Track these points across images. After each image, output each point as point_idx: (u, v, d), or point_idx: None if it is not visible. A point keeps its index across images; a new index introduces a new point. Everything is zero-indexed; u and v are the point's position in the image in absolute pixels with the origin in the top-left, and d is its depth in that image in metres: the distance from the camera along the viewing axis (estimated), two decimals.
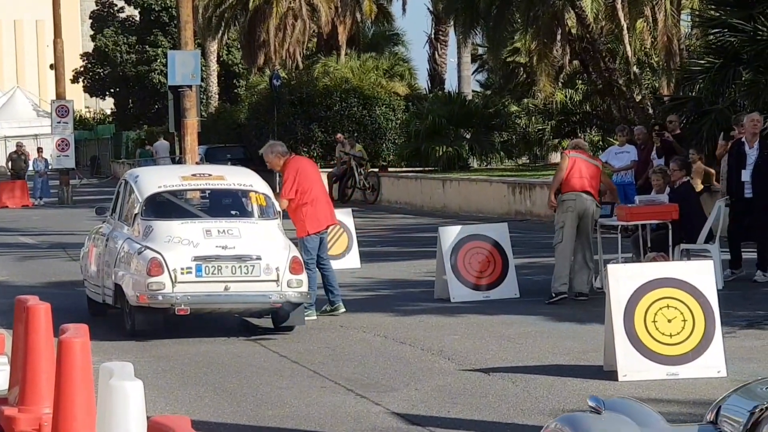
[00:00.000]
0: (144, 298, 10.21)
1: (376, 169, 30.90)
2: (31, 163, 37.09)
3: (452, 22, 32.69)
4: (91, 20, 60.18)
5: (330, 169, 29.92)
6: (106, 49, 54.82)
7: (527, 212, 23.04)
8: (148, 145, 45.01)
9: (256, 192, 11.07)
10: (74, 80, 55.53)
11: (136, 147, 48.01)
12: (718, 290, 8.48)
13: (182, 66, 21.13)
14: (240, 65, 49.15)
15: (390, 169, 32.18)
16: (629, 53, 26.67)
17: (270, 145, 11.74)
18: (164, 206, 10.98)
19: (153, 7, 53.39)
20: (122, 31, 55.55)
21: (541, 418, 6.93)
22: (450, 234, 12.37)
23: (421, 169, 31.02)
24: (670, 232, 12.26)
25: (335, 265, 12.56)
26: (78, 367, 5.17)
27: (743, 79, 19.02)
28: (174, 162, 33.68)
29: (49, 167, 35.99)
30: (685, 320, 8.20)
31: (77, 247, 13.75)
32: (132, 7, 55.65)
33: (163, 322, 10.47)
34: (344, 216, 15.30)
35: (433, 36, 39.99)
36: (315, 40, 40.72)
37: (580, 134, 29.77)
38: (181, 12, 22.09)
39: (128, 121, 55.58)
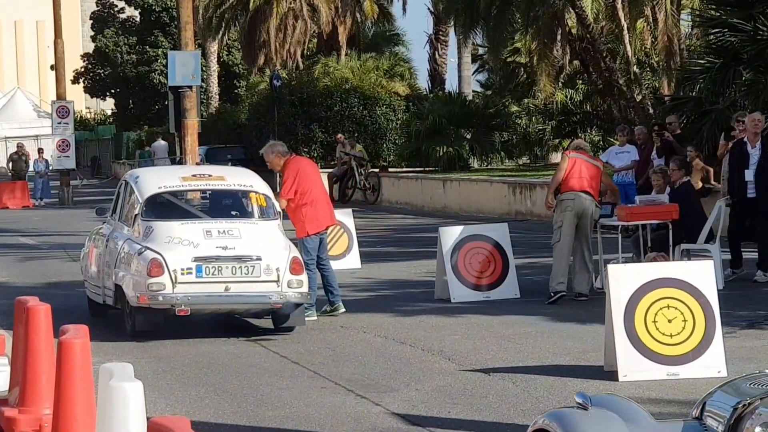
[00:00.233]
0: (144, 298, 10.21)
1: (377, 170, 30.90)
2: (31, 163, 37.08)
3: (452, 22, 32.69)
4: (91, 21, 60.20)
5: (330, 170, 29.92)
6: (107, 50, 54.84)
7: (528, 212, 23.04)
8: (147, 146, 45.03)
9: (256, 192, 11.07)
10: (75, 81, 55.55)
11: (135, 148, 48.03)
12: (718, 290, 8.47)
13: (182, 66, 21.13)
14: (240, 66, 49.16)
15: (390, 170, 32.18)
16: (629, 53, 26.66)
17: (270, 145, 11.74)
18: (164, 207, 10.98)
19: (153, 7, 53.41)
20: (123, 32, 55.56)
21: None
22: (450, 234, 12.37)
23: (421, 169, 31.02)
24: (671, 232, 12.26)
25: (335, 265, 12.56)
26: (78, 368, 5.17)
27: (743, 78, 19.02)
28: (174, 162, 33.67)
29: (50, 168, 35.99)
30: (685, 320, 8.20)
31: (77, 248, 13.76)
32: (132, 7, 55.67)
33: (164, 322, 10.47)
34: (344, 216, 15.30)
35: (433, 36, 39.99)
36: (315, 40, 40.71)
37: (580, 134, 29.79)
38: (181, 12, 22.09)
39: (129, 122, 55.60)
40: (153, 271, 10.16)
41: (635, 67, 27.75)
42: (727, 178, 12.99)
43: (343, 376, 8.70)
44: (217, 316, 10.85)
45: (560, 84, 30.09)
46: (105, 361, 5.87)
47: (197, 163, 21.72)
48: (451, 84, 42.02)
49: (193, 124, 21.49)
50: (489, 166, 31.99)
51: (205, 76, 41.12)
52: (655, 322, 8.18)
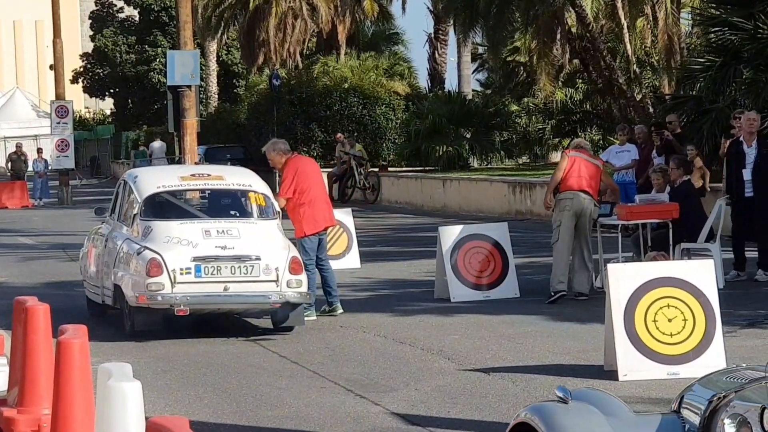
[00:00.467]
0: (143, 298, 10.21)
1: (376, 169, 30.90)
2: (30, 163, 37.08)
3: (452, 21, 32.71)
4: (90, 20, 60.19)
5: (330, 169, 29.92)
6: (106, 50, 54.82)
7: (527, 212, 23.04)
8: (142, 146, 44.99)
9: (255, 192, 11.07)
10: (74, 81, 55.53)
11: (130, 148, 48.02)
12: (718, 289, 8.47)
13: (181, 66, 21.14)
14: (239, 65, 49.14)
15: (390, 169, 32.18)
16: (629, 52, 26.66)
17: (272, 142, 11.75)
18: (163, 206, 10.98)
19: (152, 7, 53.40)
20: (121, 32, 55.54)
21: None
22: (450, 234, 12.37)
23: (421, 168, 31.02)
24: (671, 231, 12.26)
25: (335, 265, 12.55)
26: (77, 368, 5.17)
27: (744, 77, 19.02)
28: (173, 162, 33.66)
29: (49, 168, 35.99)
30: (685, 319, 8.20)
31: (76, 248, 13.76)
32: (131, 7, 55.65)
33: (163, 322, 10.47)
34: (344, 216, 15.30)
35: (432, 35, 39.98)
36: (315, 39, 40.70)
37: (580, 133, 29.80)
38: (180, 12, 22.09)
39: (128, 122, 55.58)
40: (152, 270, 10.16)
41: (635, 65, 27.74)
42: (726, 178, 13.00)
43: (342, 375, 8.70)
44: (216, 315, 10.85)
45: (560, 83, 30.09)
46: (104, 361, 5.87)
47: (196, 163, 21.72)
48: (450, 83, 42.04)
49: (192, 123, 21.49)
50: (489, 166, 31.99)
51: (204, 76, 41.11)
52: (655, 321, 8.18)
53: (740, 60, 18.95)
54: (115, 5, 58.34)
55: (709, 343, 8.18)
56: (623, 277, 8.25)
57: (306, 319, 10.90)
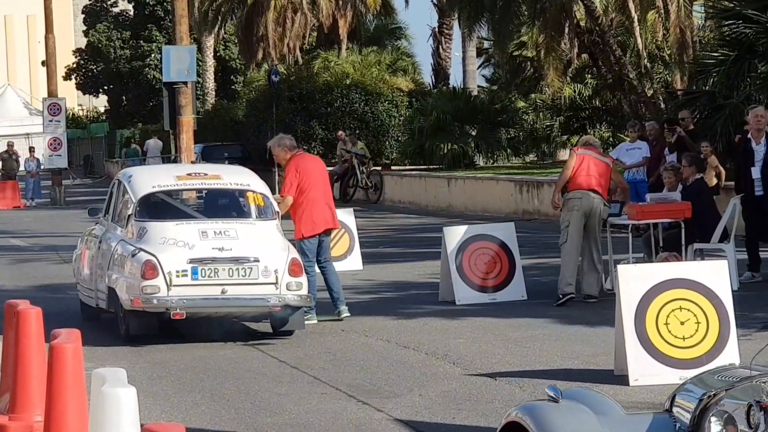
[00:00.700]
0: (138, 301, 10.22)
1: (379, 168, 30.92)
2: (22, 162, 37.13)
3: (457, 15, 32.70)
4: (83, 15, 60.25)
5: (331, 168, 29.91)
6: (99, 45, 54.88)
7: (535, 211, 23.05)
8: (134, 144, 45.00)
9: (253, 192, 11.08)
10: (66, 77, 55.60)
11: (122, 147, 48.05)
12: (733, 291, 8.48)
13: (177, 62, 21.15)
14: (237, 60, 49.18)
15: (393, 168, 32.20)
16: (640, 46, 26.66)
17: (279, 137, 11.77)
18: (159, 207, 10.99)
19: (147, 1, 53.44)
20: (116, 26, 55.59)
21: None
22: (455, 234, 12.38)
23: (425, 167, 31.03)
24: (683, 231, 12.25)
25: (336, 267, 12.53)
26: (70, 374, 5.17)
27: (758, 71, 19.01)
28: (168, 161, 33.70)
29: (41, 167, 36.04)
30: (698, 322, 8.20)
31: (69, 250, 13.78)
32: (126, 1, 55.72)
33: (158, 326, 10.48)
34: (346, 216, 15.31)
35: (436, 29, 39.99)
36: (315, 34, 40.72)
37: (589, 130, 29.78)
38: (176, 6, 22.11)
39: (122, 119, 55.63)
40: (147, 273, 10.17)
41: (646, 60, 27.74)
42: (736, 176, 13.00)
43: (344, 381, 8.71)
44: (213, 319, 10.86)
45: (568, 78, 30.08)
46: (98, 366, 5.88)
47: (193, 162, 21.75)
48: (455, 79, 42.14)
49: (188, 121, 21.50)
50: (495, 164, 32.00)
51: (200, 72, 41.12)
52: (667, 324, 8.18)
53: (755, 54, 18.95)
54: None
55: (723, 346, 8.17)
56: (634, 279, 8.24)
57: (306, 322, 10.91)
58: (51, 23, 34.87)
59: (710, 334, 8.19)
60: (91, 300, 11.42)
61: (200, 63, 40.42)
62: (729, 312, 8.24)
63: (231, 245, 10.36)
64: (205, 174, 11.42)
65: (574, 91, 31.02)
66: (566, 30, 26.86)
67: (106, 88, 57.09)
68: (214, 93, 46.13)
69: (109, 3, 58.54)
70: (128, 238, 10.68)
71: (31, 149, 37.39)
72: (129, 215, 10.80)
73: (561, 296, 11.82)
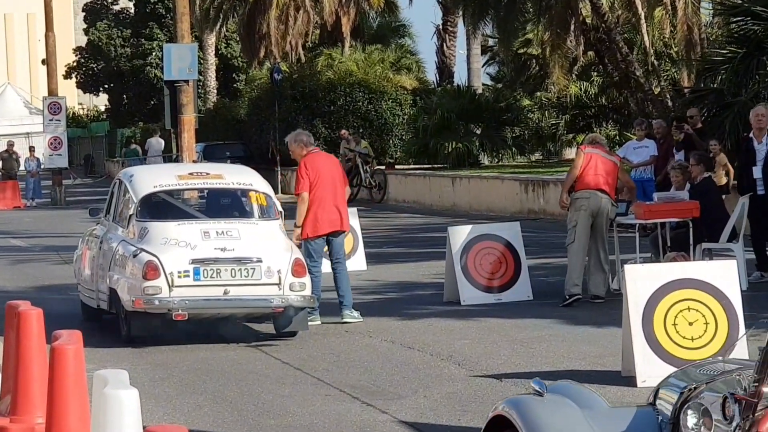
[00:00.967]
0: (140, 302, 10.22)
1: (383, 167, 30.92)
2: (22, 162, 37.17)
3: (461, 12, 32.68)
4: (84, 13, 60.28)
5: None
6: (100, 43, 54.91)
7: (540, 211, 23.04)
8: (134, 144, 45.01)
9: (256, 191, 11.08)
10: (67, 76, 55.63)
11: (122, 146, 48.08)
12: (742, 291, 8.47)
13: (179, 60, 21.17)
14: (239, 58, 49.19)
15: (397, 167, 32.20)
16: (647, 43, 26.63)
17: (296, 133, 11.78)
18: (160, 207, 11.00)
19: None
20: (116, 24, 55.63)
21: None
22: (460, 234, 12.37)
23: (429, 166, 31.03)
24: (691, 230, 12.24)
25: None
26: (71, 376, 5.18)
27: (767, 69, 18.98)
28: (170, 160, 33.70)
29: (42, 167, 36.07)
30: (707, 323, 8.20)
31: (70, 250, 13.79)
32: None
33: (160, 327, 10.48)
34: (350, 216, 15.29)
35: (441, 27, 39.98)
36: (318, 31, 40.72)
37: (595, 129, 29.77)
38: (177, 3, 22.12)
39: (123, 118, 55.66)
40: (149, 274, 10.18)
41: (653, 57, 27.71)
42: (738, 175, 13.00)
43: (347, 382, 8.71)
44: (216, 320, 10.86)
45: (574, 76, 30.07)
46: (99, 368, 5.88)
47: (194, 161, 21.76)
48: (460, 77, 42.03)
49: (189, 120, 21.51)
50: (500, 163, 31.99)
51: (202, 70, 41.16)
52: (675, 324, 8.18)
53: (763, 51, 18.91)
54: None
55: (732, 347, 8.16)
56: (641, 279, 8.24)
57: (310, 323, 10.91)
58: (51, 21, 34.90)
59: (719, 335, 8.18)
60: (92, 301, 11.43)
61: (202, 61, 40.46)
62: (738, 312, 8.24)
63: (233, 245, 10.37)
64: (207, 173, 11.43)
65: (580, 89, 31.01)
66: (572, 27, 26.85)
67: (106, 86, 57.12)
68: (215, 91, 46.14)
69: (109, 1, 58.57)
70: (129, 238, 10.69)
71: (31, 149, 37.41)
72: (130, 215, 10.81)
73: (567, 297, 11.81)
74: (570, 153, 31.05)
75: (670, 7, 25.94)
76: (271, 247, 10.46)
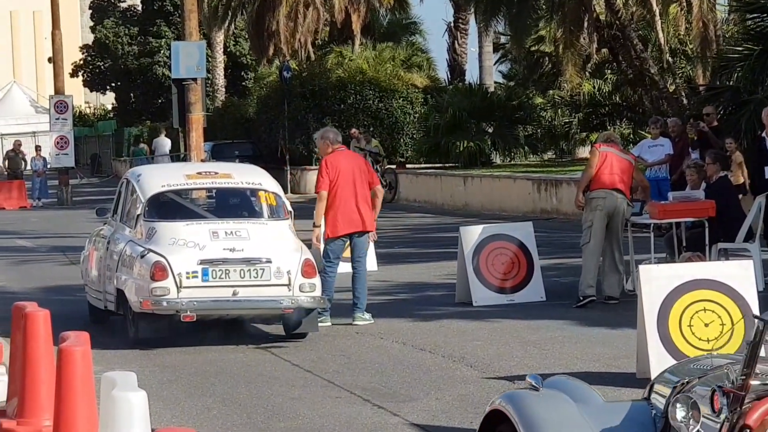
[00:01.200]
0: (148, 304, 10.24)
1: (394, 166, 30.93)
2: (28, 161, 37.27)
3: (473, 9, 32.65)
4: (90, 11, 60.41)
5: None
6: (107, 41, 55.01)
7: (553, 210, 23.02)
8: (142, 143, 45.08)
9: (265, 191, 11.09)
10: (73, 74, 55.75)
11: (129, 145, 48.15)
12: (758, 292, 8.46)
13: (187, 58, 21.20)
14: (248, 56, 49.24)
15: (408, 166, 32.20)
16: (662, 40, 26.59)
17: (324, 130, 11.83)
18: (168, 206, 11.01)
19: None
20: (123, 22, 55.72)
21: None
22: (472, 234, 12.37)
23: (440, 165, 31.03)
24: (707, 230, 12.22)
25: (349, 268, 12.51)
26: (79, 377, 5.19)
27: None
28: (178, 160, 33.74)
29: (48, 166, 36.15)
30: (723, 324, 8.18)
31: (77, 251, 13.82)
32: None
33: (168, 329, 10.50)
34: None
35: (452, 24, 39.96)
36: (327, 29, 40.73)
37: (609, 127, 29.73)
38: (185, 0, 22.15)
39: (130, 117, 55.76)
40: (156, 274, 10.19)
41: (668, 55, 27.66)
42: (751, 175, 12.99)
43: (358, 384, 8.71)
44: (224, 322, 10.88)
45: (588, 74, 30.01)
46: (107, 370, 5.90)
47: (202, 160, 21.79)
48: (471, 75, 42.06)
49: (198, 118, 21.55)
50: (512, 162, 31.96)
51: (210, 68, 41.17)
52: (690, 326, 8.16)
53: None
54: None
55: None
56: (656, 279, 8.23)
57: (320, 325, 10.91)
58: (57, 19, 34.98)
59: (735, 336, 8.16)
60: (99, 302, 11.45)
61: (210, 59, 40.48)
62: (755, 313, 8.21)
63: (242, 246, 10.37)
64: (216, 173, 11.44)
65: (594, 87, 30.96)
66: (585, 24, 26.79)
67: (113, 85, 57.22)
68: (224, 90, 46.18)
69: None
70: (137, 238, 10.71)
71: (38, 148, 37.51)
72: (138, 215, 10.83)
73: (582, 298, 11.80)
74: (583, 152, 31.01)
75: (685, 4, 25.88)
76: (280, 248, 10.47)
